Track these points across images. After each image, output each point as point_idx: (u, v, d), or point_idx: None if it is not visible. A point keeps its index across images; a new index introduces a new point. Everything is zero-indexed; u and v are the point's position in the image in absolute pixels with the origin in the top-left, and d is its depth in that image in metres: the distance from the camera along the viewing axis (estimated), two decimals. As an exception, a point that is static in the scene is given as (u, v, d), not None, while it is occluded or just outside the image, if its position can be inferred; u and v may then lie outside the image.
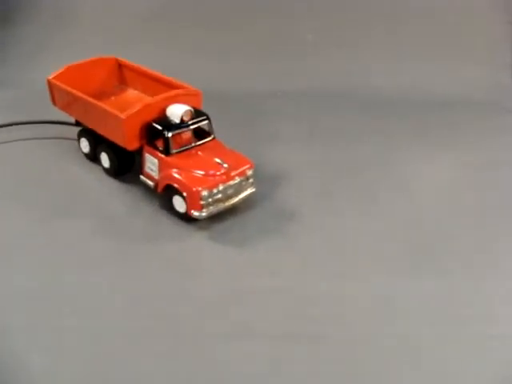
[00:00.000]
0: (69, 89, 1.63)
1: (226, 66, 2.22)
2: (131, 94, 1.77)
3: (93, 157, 1.69)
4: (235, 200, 1.46)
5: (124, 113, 1.46)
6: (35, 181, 1.63)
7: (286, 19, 2.27)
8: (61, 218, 1.47)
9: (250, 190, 1.49)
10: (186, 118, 1.47)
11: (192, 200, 1.41)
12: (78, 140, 1.73)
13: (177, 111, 1.46)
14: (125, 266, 1.32)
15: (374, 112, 2.02)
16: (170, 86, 1.63)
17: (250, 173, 1.48)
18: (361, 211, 1.50)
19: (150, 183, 1.51)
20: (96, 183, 1.62)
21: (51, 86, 1.70)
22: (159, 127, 1.46)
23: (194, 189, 1.39)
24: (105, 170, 1.65)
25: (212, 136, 1.53)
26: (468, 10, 2.24)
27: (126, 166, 1.61)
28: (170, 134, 1.45)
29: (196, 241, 1.40)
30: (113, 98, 1.76)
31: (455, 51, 2.22)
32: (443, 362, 1.08)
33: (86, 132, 1.68)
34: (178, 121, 1.46)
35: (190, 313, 1.19)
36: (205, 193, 1.40)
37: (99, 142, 1.63)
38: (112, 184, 1.62)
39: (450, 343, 1.12)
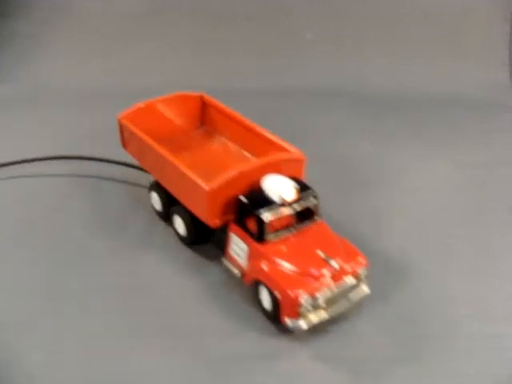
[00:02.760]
0: (142, 135, 1.33)
1: (224, 65, 2.17)
2: (217, 142, 1.46)
3: (165, 216, 1.39)
4: (342, 307, 1.14)
5: (209, 183, 1.14)
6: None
7: (286, 18, 2.23)
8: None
9: (361, 294, 1.16)
10: (288, 198, 1.14)
11: (287, 306, 1.10)
12: (150, 193, 1.42)
13: (277, 188, 1.14)
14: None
15: (372, 111, 1.99)
16: (263, 138, 1.33)
17: (363, 272, 1.14)
18: (359, 210, 1.46)
19: (235, 271, 1.20)
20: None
21: (121, 126, 1.39)
22: (253, 208, 1.13)
23: (291, 292, 1.08)
24: (178, 235, 1.34)
25: (317, 218, 1.19)
26: (466, 9, 2.21)
27: (204, 237, 1.30)
28: (266, 219, 1.11)
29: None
30: (194, 143, 1.45)
31: (453, 50, 2.19)
32: (443, 361, 1.06)
33: (159, 186, 1.37)
34: (277, 199, 1.14)
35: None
36: (304, 299, 1.08)
37: (174, 202, 1.31)
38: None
39: (450, 342, 1.10)
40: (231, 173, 1.16)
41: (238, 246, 1.19)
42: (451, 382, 1.02)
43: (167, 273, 1.28)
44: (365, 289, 1.17)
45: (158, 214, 1.43)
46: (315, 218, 1.20)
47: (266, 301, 1.14)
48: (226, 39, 2.20)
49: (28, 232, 1.40)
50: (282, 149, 1.27)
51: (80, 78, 2.10)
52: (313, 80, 2.13)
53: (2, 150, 1.69)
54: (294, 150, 1.25)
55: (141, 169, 1.46)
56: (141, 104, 1.43)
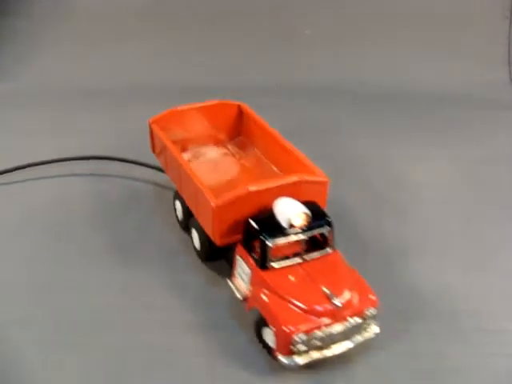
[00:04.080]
0: (166, 141, 1.27)
1: (225, 62, 2.17)
2: (250, 154, 1.39)
3: (185, 227, 1.33)
4: (344, 348, 1.03)
5: (216, 199, 1.06)
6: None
7: (286, 16, 2.23)
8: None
9: (368, 334, 1.06)
10: (297, 224, 1.04)
11: (281, 341, 1.01)
12: (174, 202, 1.37)
13: (286, 212, 1.05)
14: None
15: (372, 108, 1.99)
16: (292, 156, 1.25)
17: (371, 312, 1.04)
18: (359, 208, 1.45)
19: (238, 295, 1.12)
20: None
21: (151, 130, 1.35)
22: (259, 231, 1.05)
23: (285, 328, 0.99)
24: (195, 249, 1.28)
25: (331, 248, 1.09)
26: (465, 8, 2.21)
27: (219, 253, 1.23)
28: (270, 243, 1.03)
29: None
30: (227, 154, 1.38)
31: (453, 48, 2.19)
32: (441, 357, 1.06)
33: (181, 197, 1.31)
34: (285, 224, 1.04)
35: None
36: (299, 337, 0.99)
37: (192, 215, 1.25)
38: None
39: (448, 338, 1.09)
40: (240, 191, 1.08)
41: (242, 270, 1.11)
42: (450, 378, 1.02)
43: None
44: (374, 329, 1.05)
45: (180, 224, 1.37)
46: (327, 248, 1.09)
47: (268, 339, 1.05)
48: (227, 37, 2.21)
49: (28, 228, 1.38)
50: (307, 169, 1.18)
51: (80, 76, 2.11)
52: (313, 78, 2.13)
53: (2, 149, 1.68)
54: (317, 172, 1.16)
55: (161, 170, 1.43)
56: (174, 109, 1.37)
